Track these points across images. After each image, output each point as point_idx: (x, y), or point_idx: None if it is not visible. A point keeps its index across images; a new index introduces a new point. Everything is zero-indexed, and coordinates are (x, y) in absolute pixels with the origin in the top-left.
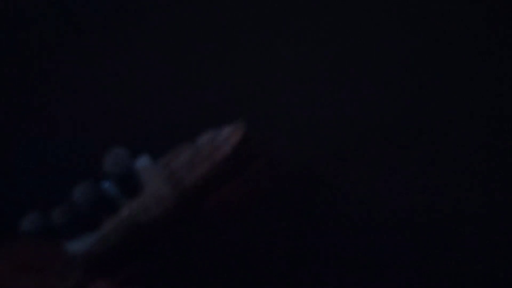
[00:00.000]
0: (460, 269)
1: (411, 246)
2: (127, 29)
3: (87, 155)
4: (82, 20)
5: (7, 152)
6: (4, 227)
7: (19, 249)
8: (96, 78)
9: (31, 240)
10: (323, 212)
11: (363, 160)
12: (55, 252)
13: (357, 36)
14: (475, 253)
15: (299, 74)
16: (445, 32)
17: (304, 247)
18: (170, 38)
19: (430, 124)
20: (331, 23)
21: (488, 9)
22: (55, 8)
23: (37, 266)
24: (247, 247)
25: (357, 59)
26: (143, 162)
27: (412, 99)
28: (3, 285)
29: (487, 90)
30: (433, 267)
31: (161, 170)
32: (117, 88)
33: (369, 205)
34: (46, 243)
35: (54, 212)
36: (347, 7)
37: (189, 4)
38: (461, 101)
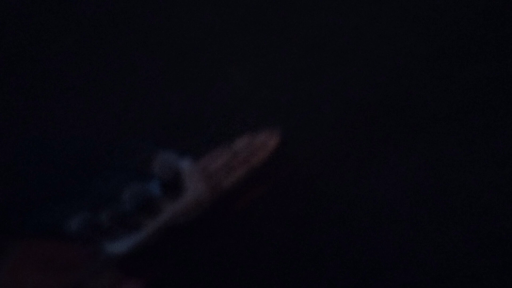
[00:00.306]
0: (459, 268)
1: (412, 245)
2: (132, 29)
3: (98, 153)
4: (85, 20)
5: (32, 155)
6: (28, 227)
7: (43, 249)
8: (105, 78)
9: (55, 240)
10: (324, 212)
11: (364, 159)
12: (86, 252)
13: (357, 36)
14: (475, 252)
15: (299, 74)
16: (444, 30)
17: (304, 247)
18: (177, 42)
19: (429, 122)
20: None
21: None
22: (55, 9)
23: (62, 266)
24: (249, 247)
25: (357, 59)
26: (185, 165)
27: (412, 98)
28: (29, 285)
29: (487, 89)
30: (432, 267)
31: (201, 173)
32: (125, 89)
33: (370, 204)
34: (72, 243)
35: (103, 213)
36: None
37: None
38: (460, 99)
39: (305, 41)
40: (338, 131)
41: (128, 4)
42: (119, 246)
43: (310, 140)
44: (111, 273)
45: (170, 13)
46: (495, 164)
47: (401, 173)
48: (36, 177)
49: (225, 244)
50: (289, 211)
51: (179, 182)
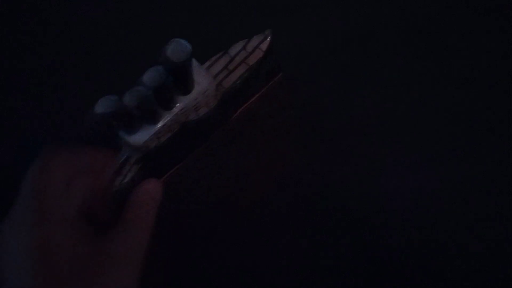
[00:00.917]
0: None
1: (415, 245)
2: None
3: None
4: (85, 20)
5: None
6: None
7: (78, 153)
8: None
9: (88, 146)
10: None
11: (365, 155)
12: (110, 156)
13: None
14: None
15: None
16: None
17: (306, 247)
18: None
19: (435, 121)
20: None
21: None
22: (55, 8)
23: (95, 168)
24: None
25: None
26: (193, 61)
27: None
28: (68, 186)
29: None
30: (437, 268)
31: (206, 71)
32: None
33: (371, 201)
34: (101, 149)
35: (126, 95)
36: None
37: None
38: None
39: None
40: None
41: (128, 5)
42: (139, 138)
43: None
44: (133, 171)
45: (169, 15)
46: (498, 161)
47: (405, 168)
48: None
49: (225, 244)
50: (291, 211)
51: (189, 74)
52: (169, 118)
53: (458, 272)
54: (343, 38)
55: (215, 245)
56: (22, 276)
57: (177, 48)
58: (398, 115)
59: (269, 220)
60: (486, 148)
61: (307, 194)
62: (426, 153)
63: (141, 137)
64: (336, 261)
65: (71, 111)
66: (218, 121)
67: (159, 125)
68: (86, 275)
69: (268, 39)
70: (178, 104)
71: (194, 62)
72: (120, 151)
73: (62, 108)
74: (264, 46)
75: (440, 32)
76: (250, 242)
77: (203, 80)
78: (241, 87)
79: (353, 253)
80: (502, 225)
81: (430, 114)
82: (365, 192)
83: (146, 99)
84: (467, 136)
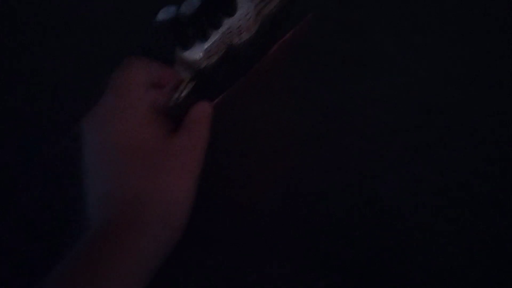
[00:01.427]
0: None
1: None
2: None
3: None
4: (84, 20)
5: None
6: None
7: (152, 65)
8: None
9: (153, 61)
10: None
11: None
12: (171, 73)
13: None
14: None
15: None
16: None
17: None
18: None
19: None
20: None
21: None
22: (55, 9)
23: (161, 82)
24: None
25: None
26: None
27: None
28: (147, 91)
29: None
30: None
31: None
32: None
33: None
34: (164, 65)
35: (182, 5)
36: None
37: None
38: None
39: None
40: None
41: (126, 4)
42: (192, 53)
43: None
44: (186, 90)
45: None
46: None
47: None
48: (36, 180)
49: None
50: (291, 211)
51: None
52: (217, 37)
53: (458, 273)
54: (343, 38)
55: (215, 244)
56: (105, 170)
57: None
58: (399, 115)
59: (269, 220)
60: (486, 148)
61: (307, 194)
62: (425, 153)
63: (194, 53)
64: (336, 261)
65: (71, 111)
66: (257, 53)
67: (209, 42)
68: (157, 169)
69: None
70: (224, 25)
71: None
72: (175, 69)
73: (62, 108)
74: None
75: (440, 31)
76: (250, 242)
77: (245, 4)
78: (277, 16)
79: (353, 253)
80: (502, 226)
81: (430, 114)
82: (365, 192)
83: (199, 8)
84: (466, 135)
